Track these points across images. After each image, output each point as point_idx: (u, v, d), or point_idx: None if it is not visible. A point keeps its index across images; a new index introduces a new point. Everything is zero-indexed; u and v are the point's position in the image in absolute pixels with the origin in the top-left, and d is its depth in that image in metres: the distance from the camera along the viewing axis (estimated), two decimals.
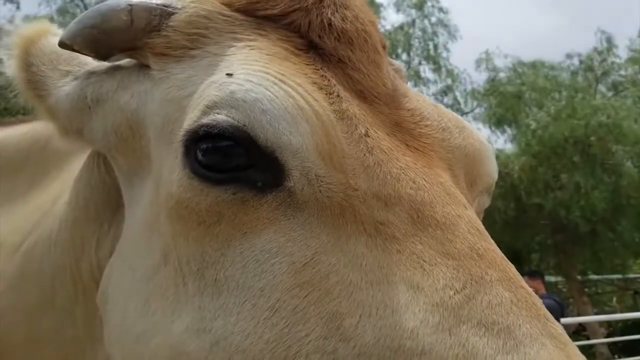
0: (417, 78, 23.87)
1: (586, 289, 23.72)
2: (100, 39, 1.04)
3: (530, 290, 0.84)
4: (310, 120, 0.86)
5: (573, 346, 0.79)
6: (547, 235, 21.59)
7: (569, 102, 21.49)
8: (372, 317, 0.79)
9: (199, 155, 0.87)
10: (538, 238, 22.17)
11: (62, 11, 19.99)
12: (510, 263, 0.88)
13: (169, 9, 1.03)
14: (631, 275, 26.02)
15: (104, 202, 1.22)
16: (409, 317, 0.78)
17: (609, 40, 23.87)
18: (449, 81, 23.93)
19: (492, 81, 23.84)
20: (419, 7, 23.48)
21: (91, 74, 1.15)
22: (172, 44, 1.00)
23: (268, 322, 0.82)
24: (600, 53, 23.90)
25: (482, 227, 0.92)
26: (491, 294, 0.79)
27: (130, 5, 1.02)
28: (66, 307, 1.25)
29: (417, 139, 1.00)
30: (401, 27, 23.52)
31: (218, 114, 0.86)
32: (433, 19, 23.60)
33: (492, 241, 0.90)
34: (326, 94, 0.93)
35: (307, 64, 0.97)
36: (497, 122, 23.19)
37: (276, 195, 0.87)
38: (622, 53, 24.19)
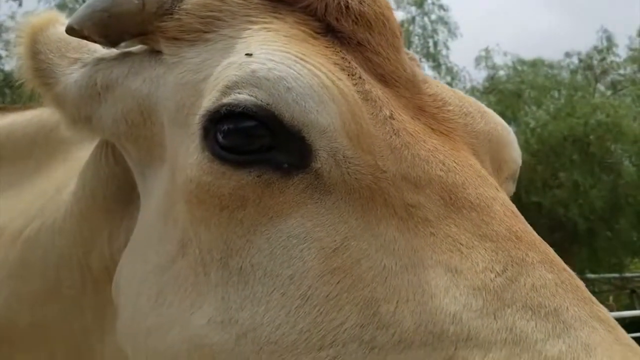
0: None
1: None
2: (111, 23, 1.02)
3: (572, 272, 0.81)
4: (336, 100, 0.84)
5: (621, 329, 0.75)
6: (545, 233, 21.42)
7: (568, 101, 21.50)
8: (410, 302, 0.75)
9: (219, 137, 0.84)
10: None
11: (62, 7, 19.92)
12: (548, 245, 0.84)
13: None
14: (628, 274, 26.01)
15: (113, 194, 1.19)
16: (449, 301, 0.74)
17: (609, 39, 23.85)
18: (449, 79, 23.86)
19: (491, 79, 23.81)
20: (419, 4, 23.42)
21: (100, 60, 1.13)
22: (185, 28, 0.98)
23: (300, 310, 0.79)
24: (600, 52, 23.88)
25: (516, 209, 0.89)
26: (534, 276, 0.75)
27: None
28: (72, 297, 1.23)
29: (441, 123, 0.97)
30: (401, 24, 23.30)
31: (239, 93, 0.83)
32: (433, 16, 23.56)
33: (528, 224, 0.87)
34: (348, 75, 0.91)
35: (327, 46, 0.95)
36: None
37: (303, 177, 0.84)
38: (622, 52, 24.18)
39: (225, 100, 0.83)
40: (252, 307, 0.82)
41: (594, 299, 0.78)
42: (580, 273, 24.68)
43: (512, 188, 1.18)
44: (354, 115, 0.84)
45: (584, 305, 0.74)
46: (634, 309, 20.96)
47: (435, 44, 23.54)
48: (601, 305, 0.77)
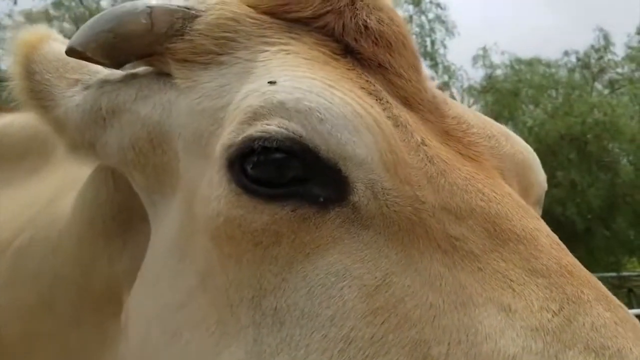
0: None
1: None
2: (117, 44, 0.96)
3: (626, 308, 0.77)
4: (371, 129, 0.79)
5: None
6: None
7: (566, 100, 21.54)
8: (463, 344, 0.70)
9: (248, 169, 0.79)
10: None
11: (58, 5, 19.85)
12: (598, 280, 0.80)
13: (192, 12, 0.95)
14: (626, 273, 26.08)
15: (113, 219, 1.14)
16: (507, 343, 0.69)
17: (606, 37, 23.86)
18: (446, 77, 23.88)
19: (489, 78, 23.81)
20: (416, 3, 23.40)
21: (105, 82, 1.06)
22: (198, 49, 0.93)
23: (344, 354, 0.73)
24: (597, 51, 23.89)
25: (559, 241, 0.84)
26: (592, 315, 0.71)
27: (150, 7, 0.95)
28: (68, 313, 1.19)
29: (469, 147, 0.93)
30: None
31: (268, 125, 0.78)
32: (430, 15, 23.54)
33: (573, 256, 0.83)
34: (377, 100, 0.86)
35: (349, 69, 0.91)
36: (494, 119, 22.65)
37: (339, 211, 0.79)
38: (620, 51, 24.21)
39: (253, 133, 0.78)
40: (290, 351, 0.76)
41: None
42: None
43: (539, 212, 1.12)
44: (390, 144, 0.80)
45: None
46: (632, 308, 21.06)
47: (433, 42, 23.54)
48: None
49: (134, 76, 1.04)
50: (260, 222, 0.78)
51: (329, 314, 0.75)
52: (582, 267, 0.80)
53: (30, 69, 1.10)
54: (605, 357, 0.67)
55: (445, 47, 23.66)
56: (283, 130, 0.77)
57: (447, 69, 23.88)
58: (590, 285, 0.76)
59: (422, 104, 0.94)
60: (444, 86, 23.55)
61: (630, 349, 0.68)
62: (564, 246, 0.83)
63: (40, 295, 1.21)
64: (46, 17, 18.89)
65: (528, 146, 1.11)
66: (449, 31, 23.47)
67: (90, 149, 1.06)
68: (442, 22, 23.49)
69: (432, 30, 23.48)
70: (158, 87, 0.99)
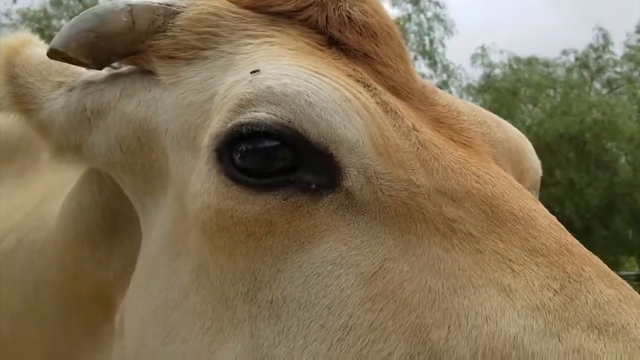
0: None
1: None
2: (98, 44, 0.95)
3: (629, 286, 0.75)
4: (361, 113, 0.78)
5: None
6: None
7: (564, 99, 21.56)
8: (464, 326, 0.68)
9: (236, 158, 0.77)
10: None
11: (56, 3, 19.84)
12: (599, 259, 0.78)
13: (174, 8, 0.95)
14: (624, 272, 26.13)
15: (97, 224, 1.13)
16: (507, 323, 0.67)
17: (605, 37, 23.87)
18: (445, 76, 23.90)
19: (487, 77, 23.83)
20: (415, 1, 23.38)
21: (89, 83, 1.04)
22: (181, 45, 0.93)
23: (343, 343, 0.71)
24: (595, 50, 23.91)
25: (557, 221, 0.82)
26: (595, 292, 0.69)
27: (130, 5, 0.94)
28: (55, 317, 1.18)
29: (460, 134, 0.92)
30: (397, 21, 23.16)
31: (256, 111, 0.76)
32: (429, 14, 23.53)
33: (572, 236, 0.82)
34: (364, 86, 0.85)
35: (335, 58, 0.90)
36: None
37: (333, 197, 0.77)
38: (619, 50, 24.22)
39: (242, 119, 0.77)
40: (288, 342, 0.75)
41: None
42: None
43: (536, 198, 1.11)
44: (380, 128, 0.79)
45: None
46: None
47: (432, 41, 23.54)
48: None
49: (117, 76, 1.03)
50: (253, 213, 0.77)
51: (326, 302, 0.74)
52: (581, 246, 0.79)
53: (13, 73, 1.08)
54: (609, 333, 0.65)
55: (444, 45, 23.69)
56: (272, 115, 0.76)
57: (445, 68, 23.89)
58: (592, 263, 0.74)
59: (412, 92, 0.94)
60: (443, 85, 23.57)
61: (635, 324, 0.66)
62: (562, 227, 0.81)
63: (25, 299, 1.20)
64: (45, 16, 18.91)
65: (520, 133, 1.10)
66: (448, 30, 23.49)
67: (77, 151, 1.04)
68: (441, 20, 23.50)
69: (430, 28, 23.49)
70: (142, 85, 0.98)
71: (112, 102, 1.00)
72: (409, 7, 23.52)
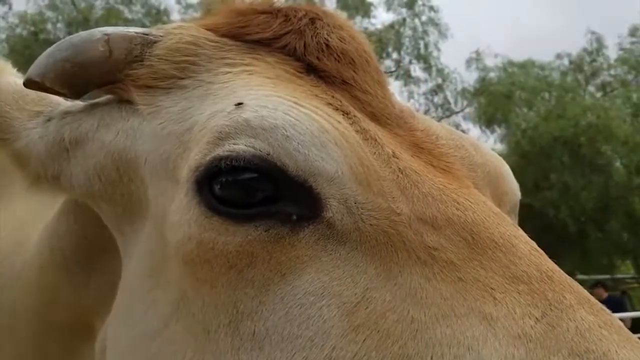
0: (408, 77, 23.86)
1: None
2: (75, 73, 0.95)
3: (609, 311, 0.76)
4: (339, 143, 0.79)
5: None
6: (535, 235, 21.51)
7: (559, 102, 21.59)
8: (446, 356, 0.69)
9: (216, 190, 0.78)
10: None
11: (52, 7, 19.78)
12: (579, 285, 0.79)
13: (151, 37, 0.96)
14: (619, 276, 26.17)
15: (72, 251, 1.14)
16: (489, 353, 0.68)
17: (599, 40, 23.94)
18: (440, 80, 23.92)
19: (482, 81, 23.84)
20: (410, 5, 23.40)
21: (67, 113, 1.04)
22: (159, 74, 0.93)
23: None
24: (589, 54, 23.96)
25: (537, 247, 0.84)
26: (576, 320, 0.70)
27: (107, 35, 0.95)
28: (31, 341, 1.19)
29: (440, 159, 0.93)
30: (392, 25, 23.46)
31: (235, 144, 0.77)
32: (424, 18, 23.55)
33: (552, 261, 0.83)
34: (343, 114, 0.86)
35: (314, 86, 0.91)
36: (487, 121, 23.20)
37: (314, 228, 0.78)
38: (613, 52, 24.27)
39: (220, 152, 0.77)
40: None
41: (636, 338, 0.73)
42: (571, 274, 24.87)
43: (515, 222, 1.12)
44: (360, 157, 0.80)
45: (631, 346, 0.69)
46: (626, 310, 21.09)
47: (426, 45, 23.54)
48: None
49: (95, 105, 1.03)
50: (234, 244, 0.77)
51: (309, 334, 0.73)
52: (562, 272, 0.80)
53: None
54: None
55: (438, 49, 23.70)
56: (250, 148, 0.77)
57: (440, 72, 23.89)
58: (572, 289, 0.75)
59: (390, 118, 0.94)
60: (438, 89, 23.60)
61: (616, 351, 0.67)
62: (542, 252, 0.82)
63: (2, 321, 1.20)
64: (41, 19, 18.86)
65: (498, 156, 1.11)
66: (442, 34, 23.51)
67: (55, 181, 1.04)
68: (436, 25, 23.51)
69: (425, 32, 23.50)
70: (120, 115, 0.98)
71: (90, 132, 0.99)
72: (404, 11, 23.54)
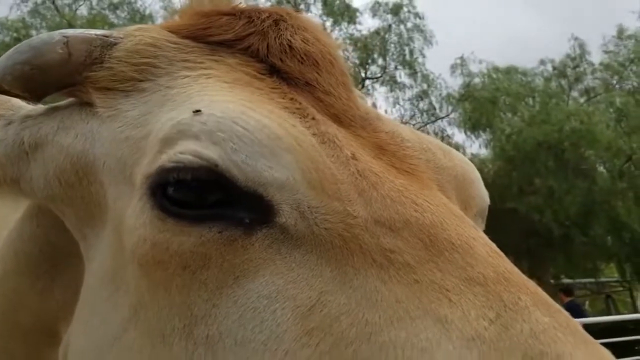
0: (393, 83, 23.95)
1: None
2: (34, 76, 0.94)
3: (567, 313, 0.75)
4: (291, 149, 0.78)
5: None
6: (520, 239, 21.74)
7: (543, 108, 21.76)
8: (399, 359, 0.68)
9: (170, 192, 0.77)
10: (511, 242, 22.36)
11: (34, 13, 19.68)
12: (537, 285, 0.78)
13: (111, 39, 0.95)
14: (603, 279, 26.34)
15: (36, 255, 1.12)
16: (442, 355, 0.67)
17: (582, 46, 24.16)
18: (425, 86, 24.02)
19: (467, 86, 23.97)
20: (395, 12, 23.50)
21: (27, 117, 1.03)
22: (118, 77, 0.92)
23: None
24: (573, 59, 24.17)
25: (497, 248, 0.83)
26: (530, 321, 0.69)
27: (66, 37, 0.94)
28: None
29: (403, 161, 0.91)
30: (377, 32, 23.55)
31: (182, 153, 0.76)
32: (409, 25, 23.65)
33: (512, 263, 0.81)
34: (301, 118, 0.85)
35: (273, 88, 0.90)
36: (472, 127, 23.30)
37: (267, 232, 0.77)
38: (597, 57, 24.45)
39: (167, 164, 0.77)
40: None
41: (593, 340, 0.72)
42: (556, 278, 25.06)
43: (482, 227, 1.11)
44: (314, 162, 0.79)
45: (586, 349, 0.68)
46: (610, 313, 21.20)
47: (411, 51, 23.65)
48: (603, 348, 0.71)
49: (56, 109, 1.01)
50: (188, 245, 0.76)
51: (262, 338, 0.73)
52: (520, 273, 0.79)
53: None
54: None
55: (424, 56, 23.80)
56: (197, 159, 0.76)
57: (425, 78, 23.99)
58: (529, 291, 0.74)
59: (354, 120, 0.93)
60: (423, 94, 23.69)
61: (571, 353, 0.66)
62: (502, 254, 0.81)
63: None
64: (23, 25, 18.74)
65: (467, 160, 1.10)
66: (427, 40, 23.62)
67: (14, 185, 1.02)
68: (421, 31, 23.62)
69: (410, 39, 23.61)
70: (80, 118, 0.96)
71: (49, 135, 0.98)
72: (389, 17, 23.64)
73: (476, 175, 1.10)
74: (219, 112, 0.80)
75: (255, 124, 0.79)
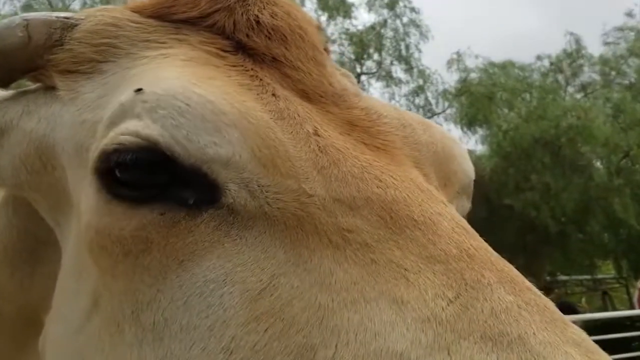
0: (389, 78, 23.92)
1: (556, 290, 24.02)
2: None
3: (537, 291, 0.71)
4: (239, 124, 0.75)
5: (602, 354, 0.65)
6: (516, 236, 21.76)
7: (540, 104, 21.76)
8: (351, 344, 0.64)
9: (117, 173, 0.75)
10: (508, 239, 22.41)
11: (27, 8, 19.57)
12: (508, 263, 0.74)
13: (71, 21, 0.93)
14: (600, 276, 26.41)
15: (14, 245, 1.12)
16: (396, 338, 0.64)
17: (578, 42, 24.10)
18: (421, 81, 23.97)
19: (463, 82, 23.92)
20: (391, 7, 23.46)
21: None
22: (78, 58, 0.91)
23: None
24: (569, 55, 24.13)
25: (467, 224, 0.79)
26: (492, 300, 0.66)
27: (27, 20, 0.94)
28: None
29: (375, 137, 0.89)
30: (373, 27, 23.49)
31: (122, 135, 0.74)
32: (405, 19, 23.61)
33: (482, 240, 0.78)
34: (257, 95, 0.82)
35: (233, 65, 0.87)
36: (469, 122, 23.30)
37: (214, 213, 0.74)
38: (595, 49, 24.38)
39: (109, 146, 0.75)
40: None
41: (566, 319, 0.68)
42: (553, 275, 25.22)
43: (467, 204, 1.08)
44: (265, 138, 0.76)
45: (554, 328, 0.64)
46: (606, 310, 21.29)
47: (407, 47, 23.59)
48: (575, 327, 0.67)
49: (23, 93, 1.01)
50: (129, 229, 0.74)
51: (208, 324, 0.70)
52: (488, 249, 0.75)
53: None
54: (503, 344, 0.61)
55: (420, 51, 23.77)
56: (138, 139, 0.74)
57: (422, 73, 23.96)
58: (494, 268, 0.71)
59: (325, 96, 0.91)
60: (419, 90, 23.63)
61: (534, 333, 0.62)
62: (470, 229, 0.78)
63: None
64: None
65: (451, 136, 1.08)
66: (423, 35, 23.55)
67: None
68: (417, 26, 23.56)
69: (406, 34, 23.54)
70: (44, 101, 0.96)
71: (14, 120, 0.98)
72: (385, 12, 23.58)
73: (459, 150, 1.06)
74: (160, 90, 0.76)
75: (197, 99, 0.75)
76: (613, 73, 23.82)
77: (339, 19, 22.75)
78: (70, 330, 0.85)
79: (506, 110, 22.91)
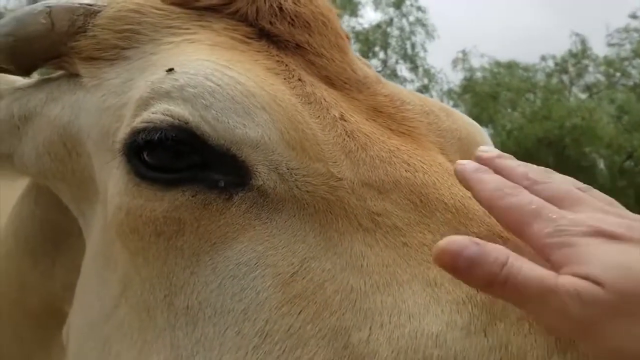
0: (394, 77, 23.88)
1: None
2: (19, 48, 0.93)
3: None
4: (268, 107, 0.75)
5: None
6: None
7: (544, 104, 21.73)
8: (386, 326, 0.64)
9: (145, 156, 0.75)
10: None
11: (33, 2, 19.60)
12: None
13: (94, 7, 0.92)
14: None
15: (35, 235, 1.11)
16: (431, 320, 0.63)
17: (583, 42, 24.08)
18: (426, 80, 23.98)
19: (468, 81, 23.92)
20: (397, 5, 23.45)
21: (17, 89, 1.01)
22: (102, 45, 0.89)
23: (259, 351, 0.67)
24: (574, 56, 24.10)
25: None
26: None
27: (49, 7, 0.92)
28: (10, 329, 1.18)
29: (401, 123, 0.88)
30: (379, 25, 23.50)
31: (153, 113, 0.74)
32: (411, 18, 23.60)
33: None
34: (284, 79, 0.83)
35: (259, 51, 0.87)
36: None
37: (244, 196, 0.73)
38: (600, 50, 24.32)
39: (138, 124, 0.75)
40: (205, 352, 0.70)
41: None
42: None
43: None
44: (294, 121, 0.75)
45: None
46: None
47: (413, 45, 23.59)
48: None
49: (46, 80, 1.00)
50: (161, 210, 0.73)
51: (242, 307, 0.69)
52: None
53: None
54: (540, 327, 0.60)
55: (425, 50, 23.76)
56: (168, 117, 0.73)
57: (427, 72, 23.97)
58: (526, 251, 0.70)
59: (349, 82, 0.90)
60: (424, 89, 23.64)
61: None
62: None
63: None
64: None
65: (474, 122, 1.08)
66: (429, 34, 23.56)
67: (8, 160, 1.01)
68: (423, 25, 23.57)
69: (412, 33, 23.55)
70: (68, 88, 0.95)
71: (38, 107, 0.97)
72: (392, 11, 23.58)
73: (482, 137, 1.06)
74: (192, 70, 0.77)
75: (228, 80, 0.76)
76: (617, 74, 23.79)
77: (346, 17, 22.77)
78: (96, 319, 0.84)
79: (510, 110, 22.91)
